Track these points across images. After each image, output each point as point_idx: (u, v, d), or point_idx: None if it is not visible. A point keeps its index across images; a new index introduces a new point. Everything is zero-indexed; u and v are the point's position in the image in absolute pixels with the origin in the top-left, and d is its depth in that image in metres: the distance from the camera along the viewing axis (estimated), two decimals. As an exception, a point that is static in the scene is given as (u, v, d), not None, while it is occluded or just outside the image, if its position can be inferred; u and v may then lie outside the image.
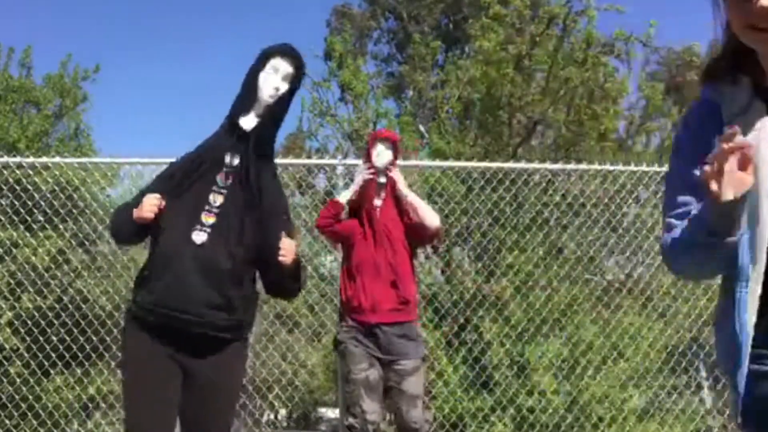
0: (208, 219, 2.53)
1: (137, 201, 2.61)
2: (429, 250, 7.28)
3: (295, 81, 2.68)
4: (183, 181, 2.60)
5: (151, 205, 2.51)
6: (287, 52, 2.67)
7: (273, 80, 2.62)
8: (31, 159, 5.65)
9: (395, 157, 3.90)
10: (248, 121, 2.63)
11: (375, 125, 10.30)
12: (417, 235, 3.82)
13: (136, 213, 2.53)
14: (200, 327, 2.47)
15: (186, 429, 2.61)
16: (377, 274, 3.65)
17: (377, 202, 3.82)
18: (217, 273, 2.48)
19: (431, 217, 3.79)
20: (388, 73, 21.85)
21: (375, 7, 22.15)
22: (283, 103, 2.66)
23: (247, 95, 2.64)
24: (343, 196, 3.87)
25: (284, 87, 2.64)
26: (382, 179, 3.86)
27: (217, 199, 2.56)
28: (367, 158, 3.89)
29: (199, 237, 2.50)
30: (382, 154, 3.84)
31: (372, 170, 3.83)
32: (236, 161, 2.61)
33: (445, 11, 20.88)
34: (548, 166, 5.97)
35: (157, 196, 2.53)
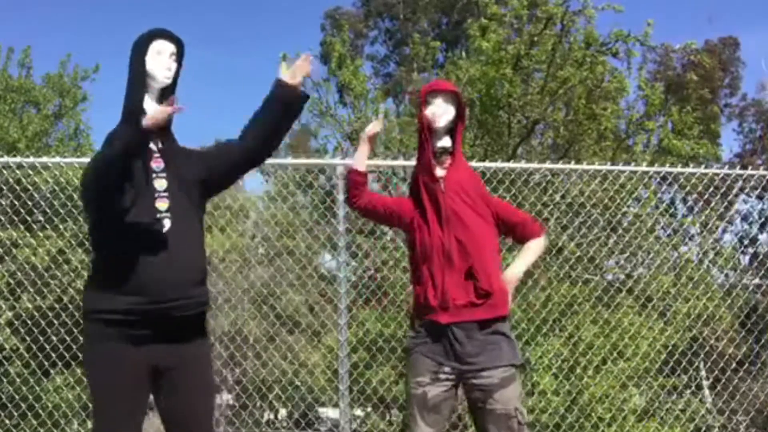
0: (162, 204, 2.58)
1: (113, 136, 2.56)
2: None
3: (180, 58, 2.72)
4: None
5: (163, 112, 2.45)
6: (166, 33, 2.70)
7: (163, 62, 2.65)
8: (31, 159, 5.64)
9: (462, 116, 3.10)
10: (152, 106, 2.64)
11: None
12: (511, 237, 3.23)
13: (147, 120, 2.42)
14: (193, 308, 2.55)
15: (169, 427, 2.61)
16: (448, 263, 2.90)
17: (439, 172, 3.03)
18: (191, 251, 2.57)
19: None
20: (385, 74, 21.90)
21: (369, 8, 22.20)
22: (175, 81, 2.71)
23: (141, 82, 2.63)
24: (357, 160, 3.11)
25: (173, 66, 2.69)
26: (446, 142, 3.08)
27: (162, 184, 2.61)
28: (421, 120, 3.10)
29: (163, 225, 2.55)
30: (441, 109, 3.03)
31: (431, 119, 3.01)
32: (159, 144, 2.65)
33: (444, 10, 20.90)
34: (548, 165, 5.97)
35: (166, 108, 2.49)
